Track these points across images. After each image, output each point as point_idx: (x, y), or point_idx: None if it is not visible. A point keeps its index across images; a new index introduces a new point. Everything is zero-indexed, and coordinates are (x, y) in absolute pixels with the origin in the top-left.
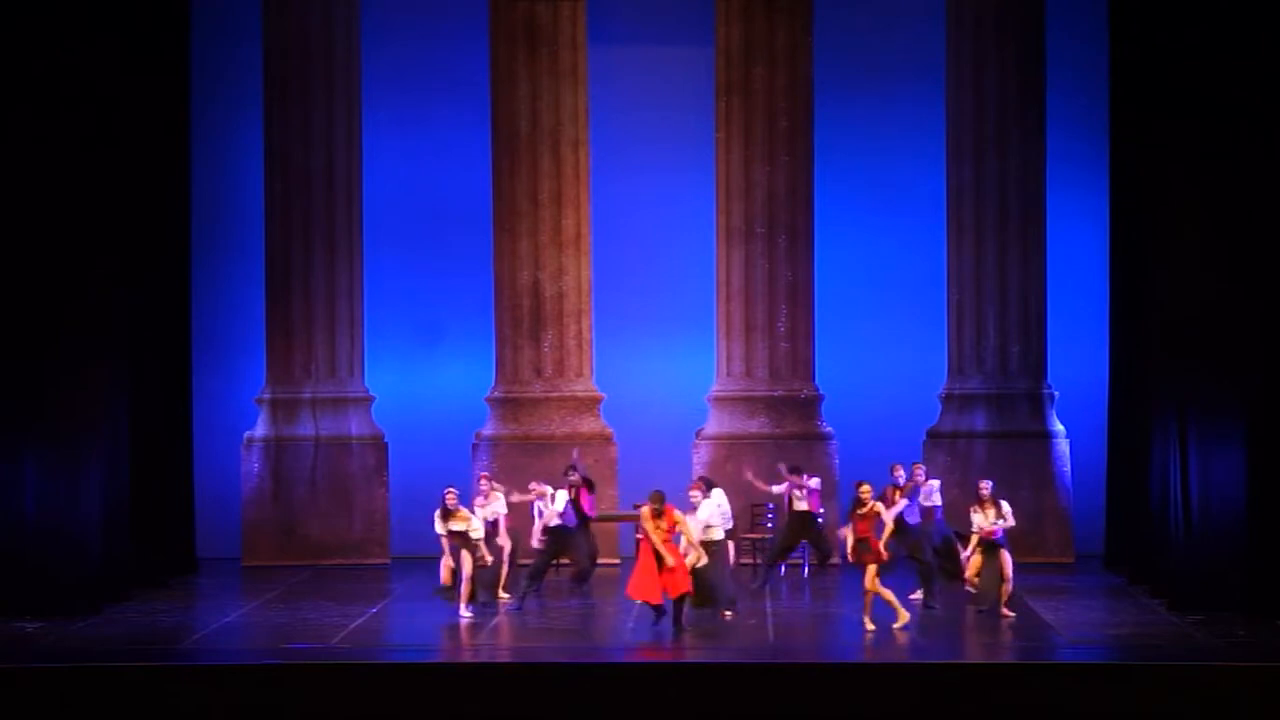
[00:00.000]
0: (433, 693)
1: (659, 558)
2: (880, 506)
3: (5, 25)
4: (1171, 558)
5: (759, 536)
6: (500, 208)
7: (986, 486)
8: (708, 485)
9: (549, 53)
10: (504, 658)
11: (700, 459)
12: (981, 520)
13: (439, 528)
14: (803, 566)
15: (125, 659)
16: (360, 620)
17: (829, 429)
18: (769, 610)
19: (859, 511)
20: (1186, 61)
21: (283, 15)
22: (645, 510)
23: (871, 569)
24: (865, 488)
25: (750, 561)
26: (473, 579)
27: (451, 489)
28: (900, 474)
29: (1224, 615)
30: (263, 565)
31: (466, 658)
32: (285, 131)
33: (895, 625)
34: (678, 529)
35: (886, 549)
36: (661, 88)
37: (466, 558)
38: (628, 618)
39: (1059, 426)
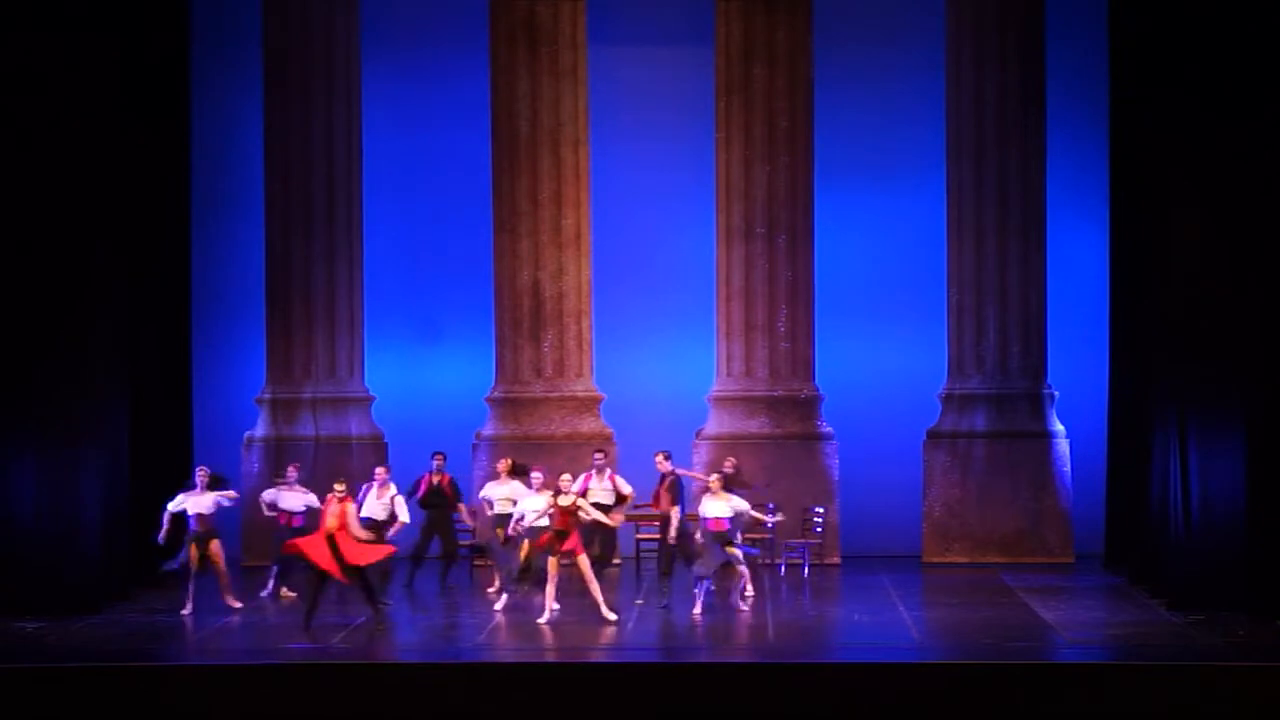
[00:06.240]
0: (433, 693)
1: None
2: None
3: (6, 24)
4: (1171, 558)
5: (757, 536)
6: (500, 208)
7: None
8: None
9: (549, 52)
10: (503, 658)
11: (700, 459)
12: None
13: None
14: (803, 566)
15: (125, 659)
16: (360, 620)
17: (829, 429)
18: (769, 610)
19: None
20: (1187, 61)
21: (283, 15)
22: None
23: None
24: (566, 477)
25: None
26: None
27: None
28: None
29: (1224, 615)
30: (263, 565)
31: (466, 658)
32: (285, 131)
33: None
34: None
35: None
36: (661, 88)
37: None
38: (627, 618)
39: (1059, 426)
